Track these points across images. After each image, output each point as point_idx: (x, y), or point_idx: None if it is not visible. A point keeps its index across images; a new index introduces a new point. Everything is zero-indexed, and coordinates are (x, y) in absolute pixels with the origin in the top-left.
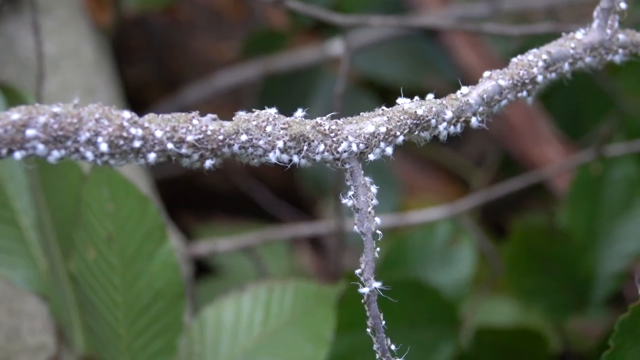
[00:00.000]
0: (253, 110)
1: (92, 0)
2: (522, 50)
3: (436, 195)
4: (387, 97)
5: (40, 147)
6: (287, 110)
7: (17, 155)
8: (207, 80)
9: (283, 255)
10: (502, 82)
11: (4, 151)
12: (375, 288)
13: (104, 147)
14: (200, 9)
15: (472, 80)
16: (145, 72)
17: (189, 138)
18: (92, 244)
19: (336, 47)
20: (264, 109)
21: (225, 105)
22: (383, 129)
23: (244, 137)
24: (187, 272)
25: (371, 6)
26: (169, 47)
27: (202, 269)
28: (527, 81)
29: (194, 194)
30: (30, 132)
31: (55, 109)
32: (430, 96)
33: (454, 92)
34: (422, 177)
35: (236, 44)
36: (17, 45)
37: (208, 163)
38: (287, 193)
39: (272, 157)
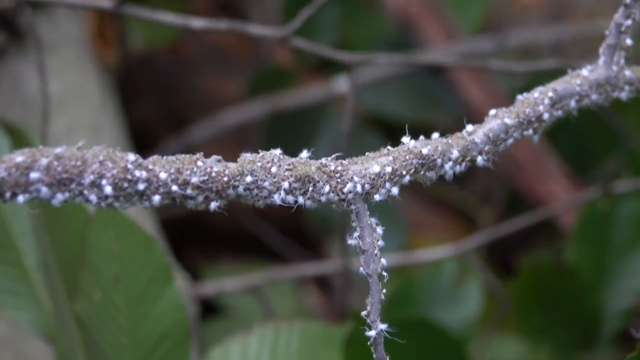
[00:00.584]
0: (258, 151)
1: (97, 39)
2: (528, 86)
3: (442, 233)
4: (393, 134)
5: (44, 190)
6: (293, 148)
7: (21, 198)
8: (213, 119)
9: (289, 295)
10: (508, 121)
11: (8, 194)
12: (382, 330)
13: (108, 189)
14: (206, 47)
15: (478, 117)
16: (151, 111)
17: (194, 180)
18: (97, 285)
19: (342, 84)
20: (270, 147)
21: (232, 143)
22: (389, 169)
23: (248, 179)
24: (193, 313)
25: (377, 43)
26: (175, 86)
27: (209, 309)
28: (533, 119)
29: (200, 233)
30: (34, 175)
31: (59, 152)
32: (435, 135)
33: (460, 128)
34: (429, 215)
35: (241, 81)
36: (23, 85)
37: (213, 205)
38: (293, 232)
39: (277, 198)
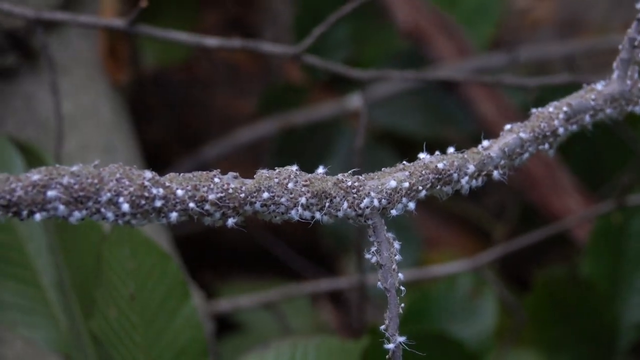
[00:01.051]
0: (275, 167)
1: (109, 59)
2: (540, 101)
3: (457, 247)
4: (405, 150)
5: (61, 208)
6: (306, 165)
7: (38, 217)
8: (226, 137)
9: (305, 311)
10: (524, 135)
11: (25, 213)
12: (400, 343)
13: (125, 207)
14: (217, 65)
15: (491, 132)
16: (164, 130)
17: (211, 197)
18: (113, 303)
19: (354, 101)
20: (283, 164)
21: (245, 161)
22: (405, 184)
23: (265, 195)
24: (208, 330)
25: (388, 59)
26: (187, 104)
27: (225, 326)
28: (548, 133)
29: (214, 251)
30: (51, 193)
31: (76, 170)
32: (451, 150)
33: (473, 144)
34: (443, 230)
35: (254, 99)
36: (36, 105)
37: (230, 221)
38: (307, 249)
39: (294, 214)
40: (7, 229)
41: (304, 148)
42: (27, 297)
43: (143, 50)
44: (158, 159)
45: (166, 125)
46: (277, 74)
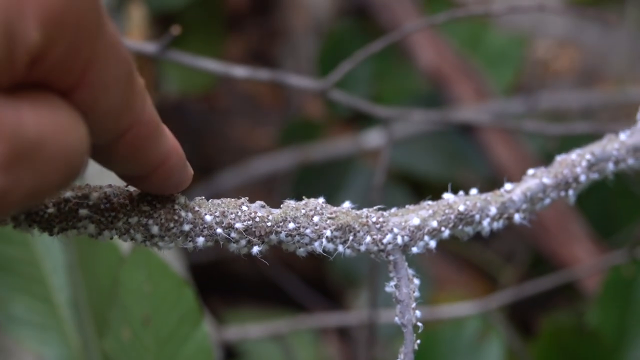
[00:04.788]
0: (302, 197)
1: None
2: (559, 149)
3: (465, 289)
4: (420, 190)
5: (92, 227)
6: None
7: (70, 234)
8: (242, 167)
9: (310, 344)
10: (547, 180)
11: (56, 229)
12: None
13: (155, 229)
14: (237, 96)
15: (506, 177)
16: None
17: (238, 224)
18: (127, 324)
19: (371, 139)
20: (300, 197)
21: (259, 192)
22: (429, 223)
23: (291, 225)
24: (218, 357)
25: (407, 98)
26: (205, 133)
27: (229, 354)
28: (570, 180)
29: (222, 280)
30: (82, 212)
31: (108, 190)
32: (473, 191)
33: (488, 188)
34: (452, 271)
35: (272, 131)
36: None
37: (255, 249)
38: (315, 282)
39: (318, 246)
40: (24, 244)
41: (319, 183)
42: (40, 313)
43: (167, 76)
44: None
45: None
46: (296, 107)
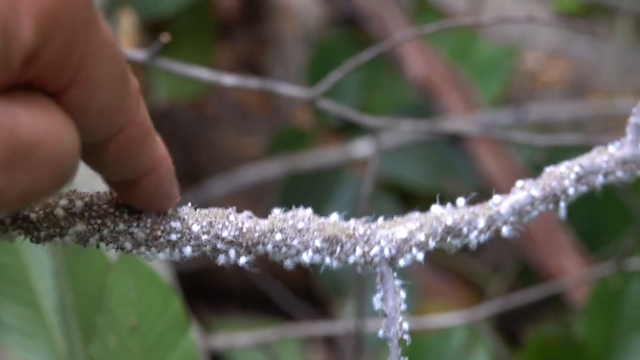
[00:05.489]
0: (291, 207)
1: None
2: (547, 160)
3: (452, 300)
4: (408, 200)
5: (77, 234)
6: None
7: (56, 241)
8: (231, 175)
9: (297, 353)
10: (535, 193)
11: (43, 234)
12: None
13: (141, 237)
14: (227, 105)
15: (494, 187)
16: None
17: (225, 234)
18: (113, 331)
19: (360, 148)
20: (286, 207)
21: (247, 201)
22: (416, 235)
23: (278, 237)
24: None
25: (396, 108)
26: (194, 141)
27: None
28: (559, 193)
29: (208, 289)
30: (69, 218)
31: (94, 196)
32: (461, 201)
33: (476, 198)
34: (438, 282)
35: (260, 140)
36: None
37: (243, 260)
38: (302, 291)
39: (306, 257)
40: (11, 250)
41: (307, 192)
42: (27, 319)
43: (156, 84)
44: None
45: (173, 160)
46: (285, 116)
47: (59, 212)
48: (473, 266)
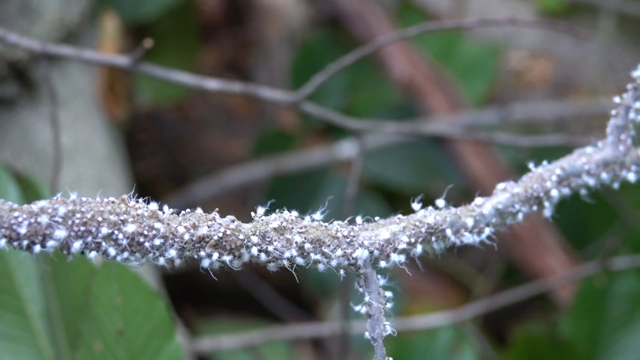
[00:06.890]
0: (276, 208)
1: (108, 94)
2: (531, 160)
3: (439, 300)
4: (393, 201)
5: (61, 241)
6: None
7: (37, 248)
8: (216, 177)
9: (284, 355)
10: (517, 195)
11: (25, 242)
12: None
13: (124, 242)
14: (212, 107)
15: (478, 188)
16: (156, 166)
17: (208, 237)
18: (99, 336)
19: (345, 150)
20: (272, 208)
21: (233, 202)
22: (398, 237)
23: (261, 240)
24: None
25: (381, 109)
26: (180, 143)
27: None
28: (541, 194)
29: (196, 291)
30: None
31: (79, 205)
32: (441, 202)
33: (461, 198)
34: (425, 282)
35: (246, 142)
36: (33, 136)
37: (227, 263)
38: (289, 292)
39: (289, 260)
40: None
41: (293, 193)
42: (13, 325)
43: (140, 87)
44: (148, 194)
45: (158, 162)
46: (270, 118)
47: (43, 219)
48: (459, 266)
